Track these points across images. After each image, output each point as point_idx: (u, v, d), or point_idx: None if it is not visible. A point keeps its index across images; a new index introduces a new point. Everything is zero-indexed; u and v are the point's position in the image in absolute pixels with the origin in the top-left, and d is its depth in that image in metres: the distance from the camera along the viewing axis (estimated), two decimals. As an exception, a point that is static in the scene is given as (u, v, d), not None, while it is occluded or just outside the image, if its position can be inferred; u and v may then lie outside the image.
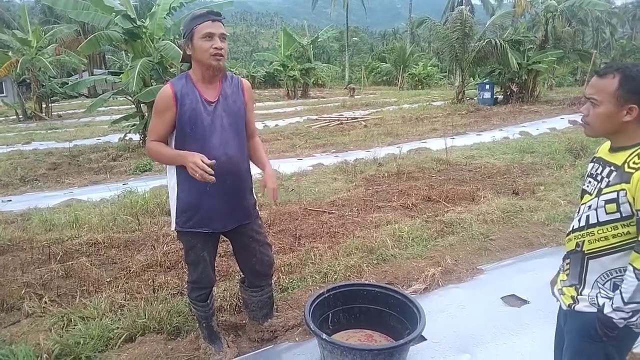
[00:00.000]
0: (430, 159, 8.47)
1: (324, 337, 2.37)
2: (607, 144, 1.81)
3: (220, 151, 2.46)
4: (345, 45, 43.54)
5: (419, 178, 7.21)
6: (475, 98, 20.18)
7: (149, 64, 10.35)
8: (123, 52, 16.68)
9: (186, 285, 2.82)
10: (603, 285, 1.67)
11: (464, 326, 3.04)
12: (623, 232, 1.61)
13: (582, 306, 1.72)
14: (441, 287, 3.60)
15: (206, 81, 2.47)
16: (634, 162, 1.58)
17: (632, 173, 1.56)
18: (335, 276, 3.79)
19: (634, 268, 1.53)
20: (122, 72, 11.75)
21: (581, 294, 1.74)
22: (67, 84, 14.18)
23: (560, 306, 1.89)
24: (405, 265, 3.98)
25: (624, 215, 1.59)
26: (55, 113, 22.18)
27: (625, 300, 1.55)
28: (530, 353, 2.74)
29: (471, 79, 24.75)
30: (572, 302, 1.77)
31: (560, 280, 1.88)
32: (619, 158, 1.66)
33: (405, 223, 4.99)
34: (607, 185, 1.64)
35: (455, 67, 20.64)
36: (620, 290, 1.58)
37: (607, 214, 1.63)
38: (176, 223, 2.58)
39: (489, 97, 18.89)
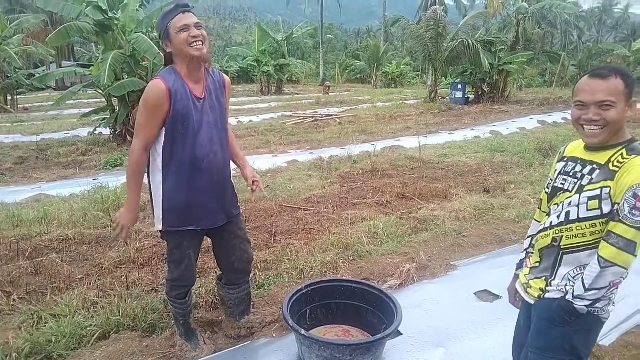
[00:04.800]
0: (404, 157, 8.57)
1: (302, 332, 2.39)
2: (577, 143, 1.87)
3: (208, 148, 2.47)
4: (320, 42, 43.48)
5: (393, 176, 7.29)
6: (447, 97, 20.49)
7: (120, 57, 10.12)
8: (93, 44, 16.32)
9: (166, 284, 2.78)
10: (573, 277, 1.73)
11: (438, 321, 3.11)
12: (600, 230, 1.68)
13: (551, 294, 1.78)
14: (416, 282, 3.66)
15: (193, 77, 2.43)
16: (618, 162, 1.66)
17: (616, 171, 1.64)
18: (312, 272, 3.81)
19: (600, 257, 1.61)
20: (92, 65, 11.45)
21: (550, 285, 1.80)
22: (34, 75, 13.76)
23: (523, 303, 1.96)
24: (380, 262, 4.03)
25: (604, 212, 1.66)
26: (21, 106, 21.46)
27: (586, 287, 1.63)
28: (503, 345, 2.80)
29: (444, 78, 25.11)
30: (540, 292, 1.82)
31: (525, 275, 1.93)
32: (601, 157, 1.72)
33: (380, 220, 5.04)
34: (590, 183, 1.70)
35: (428, 67, 20.90)
36: (582, 277, 1.66)
37: (588, 210, 1.69)
38: (163, 223, 2.51)
39: (461, 96, 19.22)
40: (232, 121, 14.95)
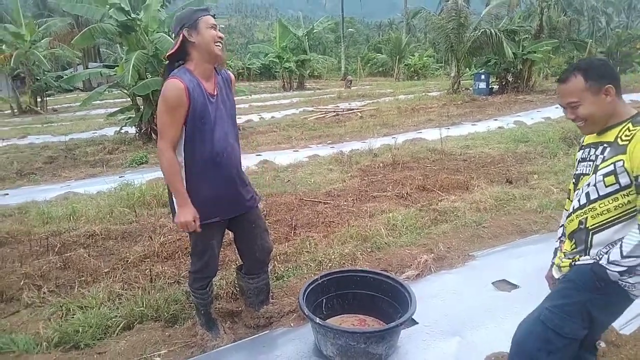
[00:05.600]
0: (425, 149, 8.52)
1: (317, 321, 2.43)
2: None
3: (225, 142, 2.57)
4: (341, 36, 43.37)
5: (413, 168, 7.27)
6: (470, 88, 20.20)
7: (143, 56, 10.33)
8: (118, 45, 16.62)
9: (188, 276, 2.86)
10: (605, 248, 1.76)
11: (455, 310, 3.11)
12: (624, 202, 1.70)
13: (583, 261, 1.81)
14: (433, 273, 3.66)
15: (206, 75, 2.52)
16: (625, 135, 1.71)
17: (627, 144, 1.68)
18: (330, 264, 3.85)
19: (638, 225, 1.63)
20: (117, 65, 11.72)
21: (582, 258, 1.82)
22: (62, 77, 14.14)
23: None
24: (398, 253, 4.04)
25: (622, 185, 1.69)
26: (50, 107, 22.11)
27: (624, 253, 1.64)
28: (520, 335, 2.81)
29: (467, 69, 24.76)
30: (571, 261, 1.85)
31: (560, 259, 1.95)
32: (608, 136, 1.78)
33: (399, 212, 5.05)
34: (603, 161, 1.75)
35: (450, 58, 20.64)
36: (620, 244, 1.66)
37: (606, 186, 1.73)
38: None
39: (485, 87, 18.93)
40: (254, 117, 15.09)
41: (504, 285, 3.47)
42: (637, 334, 2.87)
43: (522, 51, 18.22)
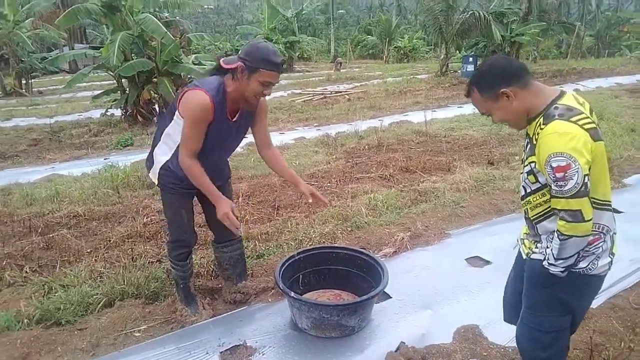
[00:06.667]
0: (410, 131, 8.58)
1: (292, 294, 2.51)
2: None
3: (222, 159, 2.83)
4: (331, 17, 42.94)
5: (398, 150, 7.33)
6: (459, 71, 20.23)
7: (129, 37, 10.20)
8: (104, 26, 16.37)
9: (166, 246, 2.94)
10: (548, 244, 1.80)
11: (427, 285, 3.21)
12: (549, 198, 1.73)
13: (535, 255, 1.87)
14: (409, 250, 3.76)
15: (235, 102, 2.50)
16: (537, 134, 1.68)
17: (536, 145, 1.67)
18: (310, 243, 3.92)
19: (557, 231, 1.67)
20: (103, 47, 11.57)
21: (537, 246, 1.88)
22: (47, 59, 13.95)
23: (519, 251, 2.06)
24: (377, 232, 4.12)
25: (543, 183, 1.73)
26: (35, 89, 21.75)
27: (555, 256, 1.70)
28: (491, 308, 2.90)
29: (457, 52, 24.76)
30: (529, 251, 1.91)
31: (524, 233, 2.02)
32: (531, 129, 1.77)
33: (381, 193, 5.12)
34: (526, 157, 1.78)
35: (440, 40, 20.63)
36: (551, 248, 1.73)
37: (532, 183, 1.78)
38: (158, 180, 2.71)
39: (473, 69, 18.91)
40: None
41: (477, 261, 3.58)
42: (603, 307, 2.99)
43: (510, 34, 18.25)
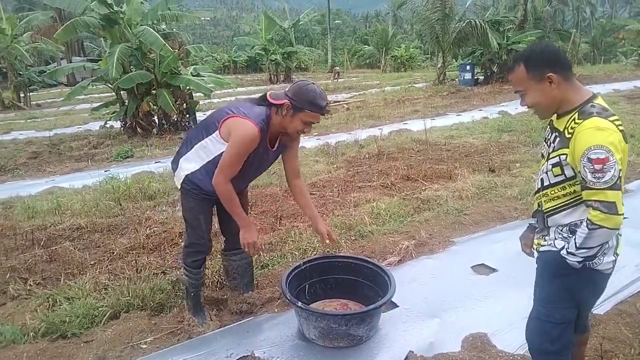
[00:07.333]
0: (410, 139, 8.61)
1: (299, 304, 2.50)
2: None
3: (252, 179, 2.98)
4: (328, 28, 43.23)
5: (398, 158, 7.35)
6: (456, 79, 20.34)
7: (127, 49, 10.26)
8: (102, 38, 16.45)
9: (183, 251, 2.95)
10: (561, 231, 1.85)
11: (434, 293, 3.20)
12: (571, 191, 1.79)
13: (544, 247, 1.91)
14: (414, 258, 3.75)
15: (276, 132, 2.63)
16: (571, 128, 1.73)
17: (570, 138, 1.72)
18: (314, 252, 3.91)
19: (588, 220, 1.69)
20: (101, 59, 11.62)
21: (545, 239, 1.92)
22: (45, 72, 13.96)
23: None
24: (381, 240, 4.12)
25: (568, 176, 1.77)
26: (34, 102, 21.81)
27: (577, 245, 1.72)
28: (498, 315, 2.91)
29: (453, 60, 24.91)
30: (537, 246, 1.96)
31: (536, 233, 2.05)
32: (561, 124, 1.81)
33: (383, 201, 5.12)
34: (553, 150, 1.82)
35: (436, 49, 20.76)
36: (575, 237, 1.75)
37: (555, 176, 1.81)
38: (181, 185, 2.75)
39: (470, 77, 19.09)
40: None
41: (483, 269, 3.57)
42: (611, 313, 2.98)
43: (507, 42, 18.37)
